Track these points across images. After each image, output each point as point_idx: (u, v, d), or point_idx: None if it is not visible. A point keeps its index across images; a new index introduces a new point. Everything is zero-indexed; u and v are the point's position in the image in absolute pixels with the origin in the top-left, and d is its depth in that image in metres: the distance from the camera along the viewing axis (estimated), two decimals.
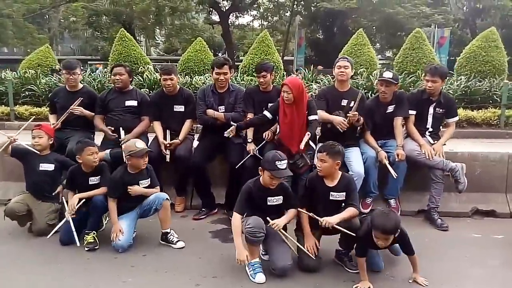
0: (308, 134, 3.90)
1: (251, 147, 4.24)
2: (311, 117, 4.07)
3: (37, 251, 3.55)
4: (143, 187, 3.69)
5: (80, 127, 4.62)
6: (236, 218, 3.17)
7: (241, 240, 3.12)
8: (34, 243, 3.70)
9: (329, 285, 3.05)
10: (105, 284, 3.02)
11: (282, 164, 3.09)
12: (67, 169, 3.99)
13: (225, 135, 4.11)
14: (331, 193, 3.26)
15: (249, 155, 4.18)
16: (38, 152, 3.95)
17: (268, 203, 3.22)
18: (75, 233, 3.58)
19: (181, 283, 3.05)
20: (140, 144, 3.62)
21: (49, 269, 3.23)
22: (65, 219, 3.67)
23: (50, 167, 3.98)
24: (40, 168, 3.95)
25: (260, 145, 4.26)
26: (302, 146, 3.84)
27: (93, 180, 3.82)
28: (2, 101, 9.74)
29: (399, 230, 2.88)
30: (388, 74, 4.25)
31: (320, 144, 3.46)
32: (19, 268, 3.27)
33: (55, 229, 3.72)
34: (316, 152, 3.26)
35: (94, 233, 3.65)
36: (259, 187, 3.23)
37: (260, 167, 3.19)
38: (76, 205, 3.62)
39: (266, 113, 4.19)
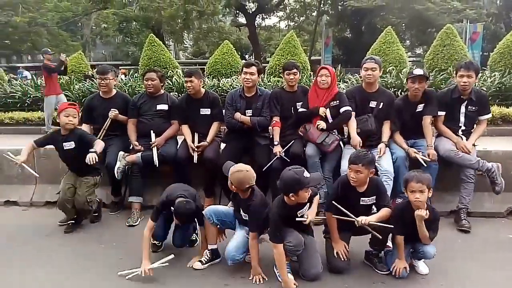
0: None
1: (277, 149, 4.26)
2: (343, 109, 4.24)
3: (41, 251, 3.66)
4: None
5: (118, 132, 4.72)
6: (279, 249, 3.01)
7: (286, 271, 3.05)
8: (39, 244, 3.82)
9: (359, 287, 3.02)
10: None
11: (307, 173, 3.02)
12: (86, 144, 4.03)
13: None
14: (361, 198, 3.22)
15: (276, 157, 4.20)
16: (37, 175, 4.22)
17: (299, 216, 3.15)
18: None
19: (210, 283, 3.10)
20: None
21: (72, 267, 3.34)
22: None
23: (71, 145, 4.05)
24: (65, 148, 4.06)
25: (287, 147, 4.28)
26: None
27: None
28: (38, 107, 10.13)
29: (431, 187, 3.04)
30: (419, 71, 4.17)
31: (351, 153, 3.33)
32: (21, 268, 3.36)
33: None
34: (349, 163, 3.18)
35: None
36: (286, 207, 3.08)
37: (291, 194, 2.94)
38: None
39: (301, 110, 4.39)
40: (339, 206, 3.13)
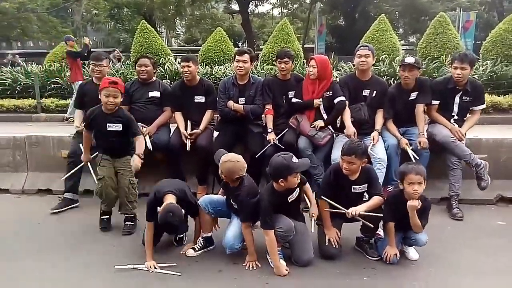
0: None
1: (271, 137, 4.26)
2: (337, 99, 4.23)
3: (33, 240, 3.63)
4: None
5: None
6: (270, 236, 3.02)
7: (278, 257, 3.08)
8: (31, 233, 3.80)
9: (350, 272, 3.06)
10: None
11: (295, 158, 3.04)
12: (133, 130, 3.80)
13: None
14: (353, 186, 3.24)
15: (270, 144, 4.21)
16: (96, 181, 3.79)
17: (289, 201, 3.20)
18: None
19: (203, 270, 3.12)
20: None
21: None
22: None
23: (118, 127, 3.71)
24: (108, 129, 3.71)
25: (281, 134, 4.29)
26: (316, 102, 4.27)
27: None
28: (29, 94, 10.03)
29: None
30: (410, 59, 4.18)
31: (344, 142, 3.30)
32: (13, 259, 3.35)
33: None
34: (342, 153, 3.19)
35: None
36: (276, 193, 3.11)
37: (280, 180, 2.99)
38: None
39: (294, 100, 4.37)
40: (329, 201, 3.19)
